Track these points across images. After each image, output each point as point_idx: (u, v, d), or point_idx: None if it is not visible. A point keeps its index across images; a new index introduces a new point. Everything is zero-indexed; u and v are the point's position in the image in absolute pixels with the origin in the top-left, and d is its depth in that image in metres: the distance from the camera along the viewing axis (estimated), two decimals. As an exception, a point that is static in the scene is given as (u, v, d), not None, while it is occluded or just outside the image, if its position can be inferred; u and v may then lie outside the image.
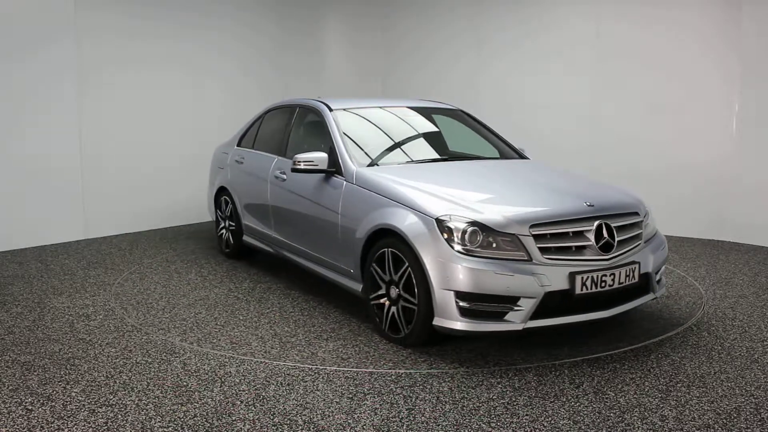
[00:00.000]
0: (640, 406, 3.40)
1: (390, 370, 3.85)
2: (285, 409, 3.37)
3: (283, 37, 9.28)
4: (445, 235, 3.86)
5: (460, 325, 3.79)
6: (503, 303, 3.76)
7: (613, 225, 4.08)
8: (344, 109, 5.45)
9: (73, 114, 7.25)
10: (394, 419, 3.27)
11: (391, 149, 5.22)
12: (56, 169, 7.17)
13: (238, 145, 6.63)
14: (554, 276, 3.80)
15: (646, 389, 3.60)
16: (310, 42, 9.69)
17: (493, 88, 8.88)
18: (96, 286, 5.64)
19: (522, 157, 5.66)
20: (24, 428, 3.17)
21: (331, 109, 5.38)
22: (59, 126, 7.16)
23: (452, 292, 3.78)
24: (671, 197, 7.59)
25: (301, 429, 3.17)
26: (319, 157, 4.86)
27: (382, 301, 4.32)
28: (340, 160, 4.88)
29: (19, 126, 6.87)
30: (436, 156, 5.32)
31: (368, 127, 5.46)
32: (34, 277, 5.91)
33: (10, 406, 3.40)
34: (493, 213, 3.94)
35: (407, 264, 4.02)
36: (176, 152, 8.20)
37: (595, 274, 3.89)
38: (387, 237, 4.24)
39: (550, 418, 3.27)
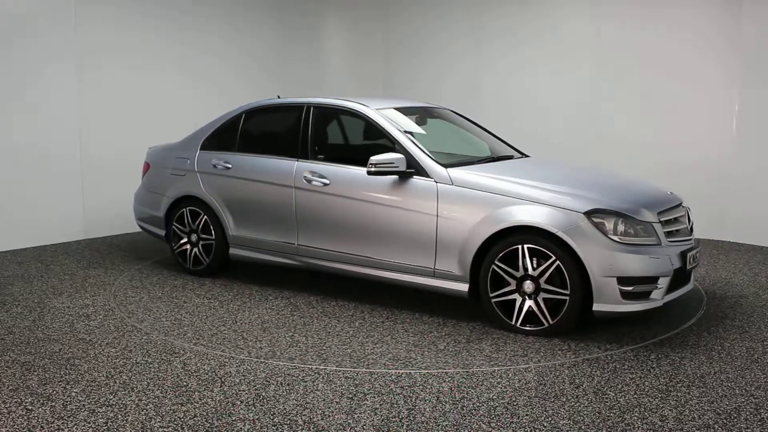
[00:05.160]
0: (640, 406, 3.40)
1: (390, 370, 3.86)
2: (285, 409, 3.38)
3: (282, 41, 9.25)
4: (598, 228, 4.23)
5: (622, 307, 4.21)
6: (650, 283, 4.27)
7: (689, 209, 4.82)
8: (387, 109, 5.28)
9: (72, 114, 7.25)
10: (394, 419, 3.27)
11: (445, 149, 5.30)
12: (56, 169, 7.16)
13: (203, 148, 5.95)
14: (673, 256, 4.37)
15: (646, 389, 3.60)
16: (310, 46, 9.65)
17: (493, 90, 8.86)
18: (96, 286, 5.64)
19: (523, 155, 5.73)
20: (24, 428, 3.17)
21: (376, 110, 5.16)
22: (59, 127, 7.15)
23: (614, 279, 4.15)
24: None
25: (301, 429, 3.17)
26: (398, 158, 4.73)
27: (509, 297, 4.43)
28: (418, 161, 4.79)
29: (18, 125, 6.86)
30: (487, 155, 5.54)
31: (411, 127, 5.27)
32: (34, 277, 5.91)
33: (10, 406, 3.40)
34: (629, 204, 4.40)
35: (554, 257, 4.25)
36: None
37: (694, 252, 4.57)
38: (519, 234, 4.38)
39: (550, 418, 3.27)
